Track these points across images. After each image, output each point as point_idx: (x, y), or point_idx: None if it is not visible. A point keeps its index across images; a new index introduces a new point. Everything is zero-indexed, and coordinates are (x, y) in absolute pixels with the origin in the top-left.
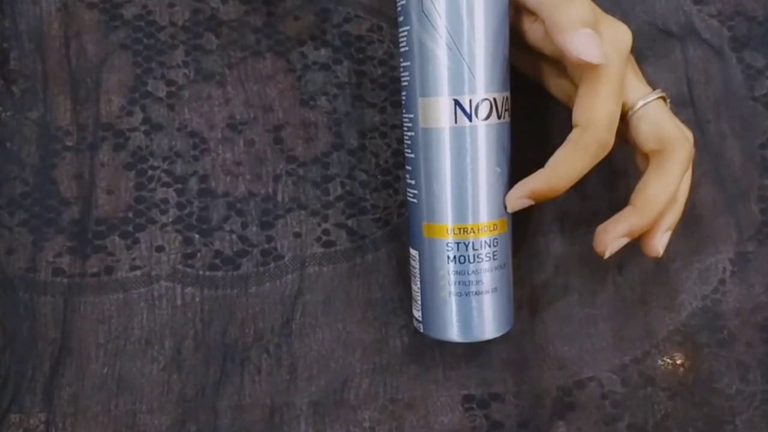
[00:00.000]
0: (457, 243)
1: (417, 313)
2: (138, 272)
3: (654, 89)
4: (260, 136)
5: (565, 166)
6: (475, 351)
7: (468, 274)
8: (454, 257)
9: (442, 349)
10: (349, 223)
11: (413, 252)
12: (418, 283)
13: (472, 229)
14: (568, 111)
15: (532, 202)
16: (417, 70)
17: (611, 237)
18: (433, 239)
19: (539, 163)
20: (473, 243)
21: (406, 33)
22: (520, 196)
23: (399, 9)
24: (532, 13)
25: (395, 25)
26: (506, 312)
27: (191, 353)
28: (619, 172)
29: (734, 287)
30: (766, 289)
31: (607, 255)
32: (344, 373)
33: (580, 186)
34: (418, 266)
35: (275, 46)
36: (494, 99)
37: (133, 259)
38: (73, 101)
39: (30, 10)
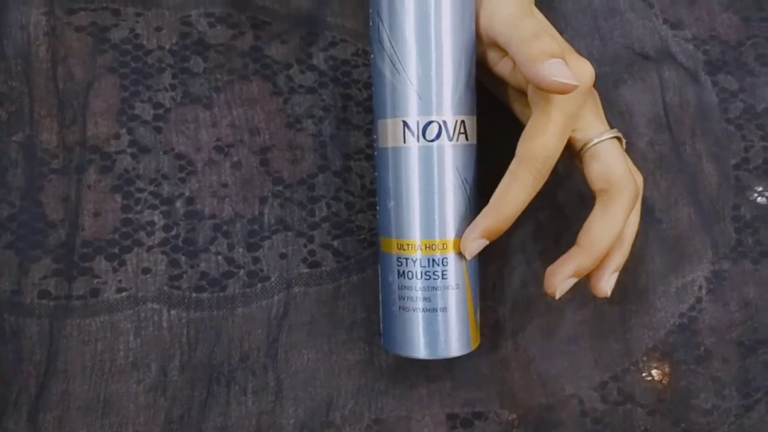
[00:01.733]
0: (402, 258)
1: (382, 329)
2: (124, 294)
3: (612, 128)
4: (247, 158)
5: (508, 199)
6: (459, 370)
7: (408, 289)
8: (399, 272)
9: (426, 370)
10: (335, 244)
11: (379, 268)
12: (381, 296)
13: (409, 245)
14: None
15: (487, 242)
16: (376, 94)
17: (560, 279)
18: (385, 254)
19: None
20: (414, 260)
21: (374, 58)
22: (475, 237)
23: (371, 38)
24: (501, 49)
25: None
26: (463, 333)
27: (177, 375)
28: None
29: (710, 305)
30: (741, 306)
31: (557, 296)
32: (329, 393)
33: (559, 205)
34: (379, 279)
35: (262, 70)
36: (443, 122)
37: (120, 281)
38: (60, 124)
39: (17, 33)
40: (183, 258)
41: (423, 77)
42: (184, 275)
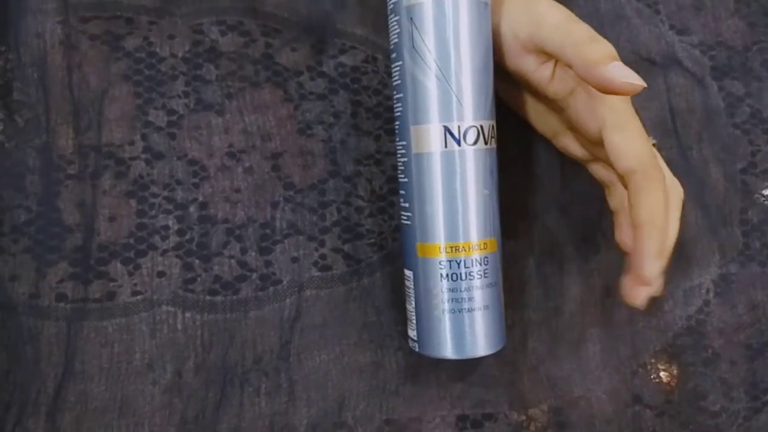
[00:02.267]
0: (449, 261)
1: (412, 333)
2: (139, 297)
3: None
4: (259, 164)
5: (656, 210)
6: (468, 371)
7: (460, 291)
8: (447, 275)
9: (436, 370)
10: (345, 247)
11: (407, 272)
12: (413, 302)
13: (463, 247)
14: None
15: (664, 263)
16: (409, 100)
17: (649, 269)
18: (426, 258)
19: (524, 186)
20: (464, 261)
21: (398, 67)
22: (657, 266)
23: (392, 46)
24: (543, 56)
25: (389, 56)
26: (498, 329)
27: (192, 376)
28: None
29: (718, 308)
30: (748, 309)
31: (655, 291)
32: (341, 395)
33: (569, 210)
34: (412, 286)
35: (273, 77)
36: (481, 126)
37: (135, 284)
38: (75, 131)
39: (33, 42)
40: (197, 262)
41: (462, 83)
42: (198, 279)
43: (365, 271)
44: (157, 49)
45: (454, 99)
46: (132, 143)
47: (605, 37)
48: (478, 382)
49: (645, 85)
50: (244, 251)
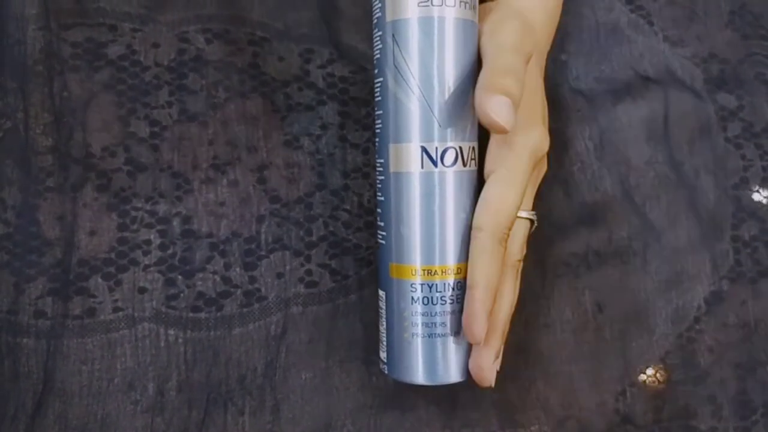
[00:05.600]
0: (423, 284)
1: (382, 355)
2: (120, 314)
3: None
4: (244, 176)
5: (493, 278)
6: (458, 391)
7: (433, 315)
8: (420, 298)
9: (424, 390)
10: (332, 263)
11: (380, 293)
12: (384, 324)
13: (437, 271)
14: None
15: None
16: (389, 118)
17: (475, 330)
18: (399, 280)
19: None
20: (438, 285)
21: (380, 83)
22: (481, 326)
23: (375, 61)
24: None
25: None
26: (464, 359)
27: (174, 395)
28: (598, 212)
29: (709, 325)
30: (739, 327)
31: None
32: (328, 413)
33: (561, 226)
34: (384, 307)
35: (259, 87)
36: (460, 147)
37: (116, 300)
38: (55, 141)
39: (14, 49)
40: (179, 278)
41: (443, 103)
42: (181, 295)
43: (352, 287)
44: (141, 58)
45: (434, 119)
46: (114, 155)
47: (598, 49)
48: (467, 401)
49: (505, 128)
50: (228, 267)
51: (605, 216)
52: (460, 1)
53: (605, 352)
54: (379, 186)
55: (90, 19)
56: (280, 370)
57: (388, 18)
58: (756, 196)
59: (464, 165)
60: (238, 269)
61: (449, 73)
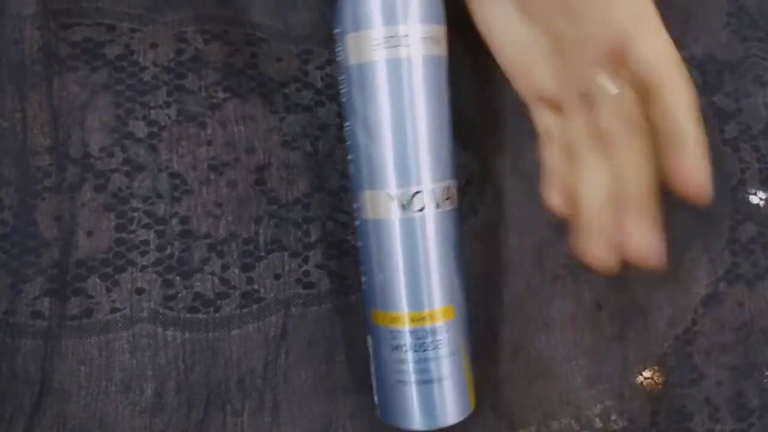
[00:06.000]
0: (410, 331)
1: (375, 398)
2: (118, 314)
3: None
4: (242, 177)
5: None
6: None
7: (424, 362)
8: (408, 345)
9: None
10: (331, 264)
11: (368, 338)
12: (373, 368)
13: (425, 317)
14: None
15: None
16: (361, 163)
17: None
18: (379, 326)
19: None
20: (426, 330)
21: (348, 128)
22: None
23: (342, 106)
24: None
25: None
26: (459, 400)
27: (173, 395)
28: None
29: (705, 328)
30: (735, 329)
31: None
32: (327, 414)
33: (560, 225)
34: (371, 352)
35: (258, 88)
36: (431, 190)
37: (113, 301)
38: (53, 141)
39: (11, 49)
40: (177, 278)
41: (401, 147)
42: (179, 295)
43: (352, 289)
44: (139, 58)
45: (401, 164)
46: (112, 155)
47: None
48: None
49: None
50: (225, 267)
51: None
52: (423, 39)
53: (601, 354)
54: (356, 232)
55: (88, 19)
56: (279, 370)
57: (351, 61)
58: (753, 199)
59: (437, 207)
60: (236, 270)
61: (413, 115)
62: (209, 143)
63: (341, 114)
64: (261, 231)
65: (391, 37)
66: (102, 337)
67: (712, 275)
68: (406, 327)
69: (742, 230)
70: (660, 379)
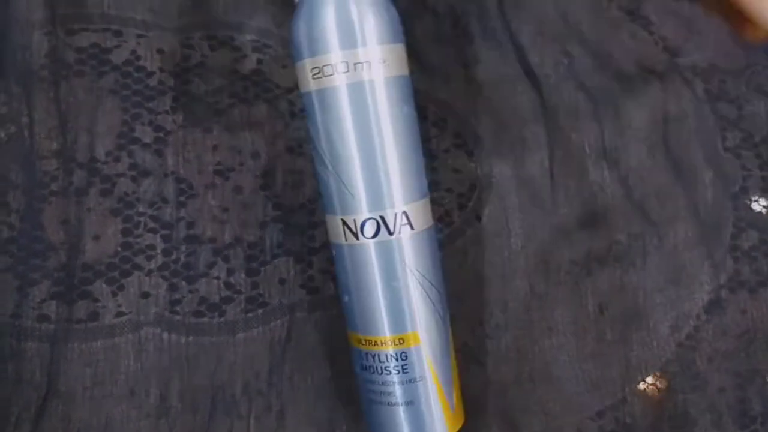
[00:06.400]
0: (365, 353)
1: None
2: (124, 318)
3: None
4: (247, 182)
5: None
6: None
7: (376, 384)
8: (364, 366)
9: None
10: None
11: None
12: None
13: (374, 341)
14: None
15: None
16: (327, 189)
17: None
18: (352, 347)
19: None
20: (378, 355)
21: (314, 154)
22: None
23: (308, 133)
24: None
25: None
26: (423, 426)
27: (178, 400)
28: (599, 215)
29: (708, 334)
30: (738, 335)
31: None
32: (333, 418)
33: (563, 228)
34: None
35: (263, 94)
36: (381, 217)
37: (119, 305)
38: (60, 146)
39: (19, 54)
40: (183, 283)
41: (370, 172)
42: (184, 300)
43: None
44: (146, 63)
45: (346, 192)
46: (118, 159)
47: (601, 54)
48: (469, 405)
49: None
50: (231, 272)
51: (607, 219)
52: (354, 65)
53: (607, 355)
54: (332, 255)
55: (95, 25)
56: (284, 375)
57: (311, 87)
58: (756, 206)
59: (390, 234)
60: (241, 275)
61: (381, 138)
62: (215, 148)
63: None
64: (266, 236)
65: (349, 62)
66: (108, 340)
67: (715, 282)
68: (359, 347)
69: (745, 237)
70: (663, 385)
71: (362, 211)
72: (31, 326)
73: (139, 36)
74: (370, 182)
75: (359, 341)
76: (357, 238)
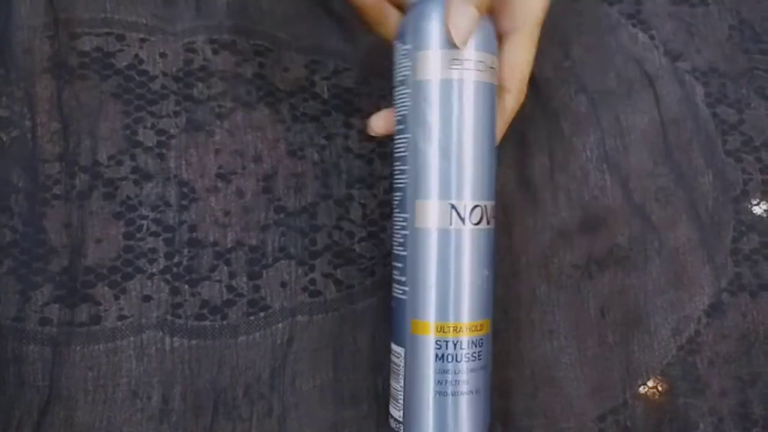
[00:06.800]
0: (440, 341)
1: (397, 413)
2: (126, 321)
3: None
4: (249, 186)
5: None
6: None
7: (448, 373)
8: (438, 356)
9: None
10: (337, 273)
11: (397, 348)
12: (401, 380)
13: (454, 328)
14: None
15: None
16: (418, 174)
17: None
18: (418, 336)
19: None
20: (456, 342)
21: (405, 140)
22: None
23: (399, 118)
24: None
25: (383, 77)
26: (484, 415)
27: (180, 402)
28: (598, 221)
29: (709, 338)
30: (739, 338)
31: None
32: (335, 421)
33: (564, 232)
34: (402, 363)
35: (265, 97)
36: (485, 206)
37: (121, 308)
38: (62, 149)
39: (21, 57)
40: (185, 286)
41: (470, 162)
42: (186, 303)
43: (357, 297)
44: (148, 67)
45: (459, 177)
46: (121, 163)
47: (599, 60)
48: None
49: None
50: (232, 275)
51: (607, 222)
52: (479, 63)
53: (608, 359)
54: (401, 241)
55: (98, 29)
56: (286, 378)
57: (419, 77)
58: (756, 210)
59: (487, 223)
60: (243, 278)
61: (474, 133)
62: (217, 152)
63: (347, 123)
64: (268, 239)
65: (484, 61)
66: (110, 344)
67: (716, 285)
68: (434, 336)
69: (745, 241)
70: (664, 388)
71: (473, 198)
72: (33, 329)
73: (142, 40)
74: (481, 172)
75: (436, 329)
76: (464, 224)
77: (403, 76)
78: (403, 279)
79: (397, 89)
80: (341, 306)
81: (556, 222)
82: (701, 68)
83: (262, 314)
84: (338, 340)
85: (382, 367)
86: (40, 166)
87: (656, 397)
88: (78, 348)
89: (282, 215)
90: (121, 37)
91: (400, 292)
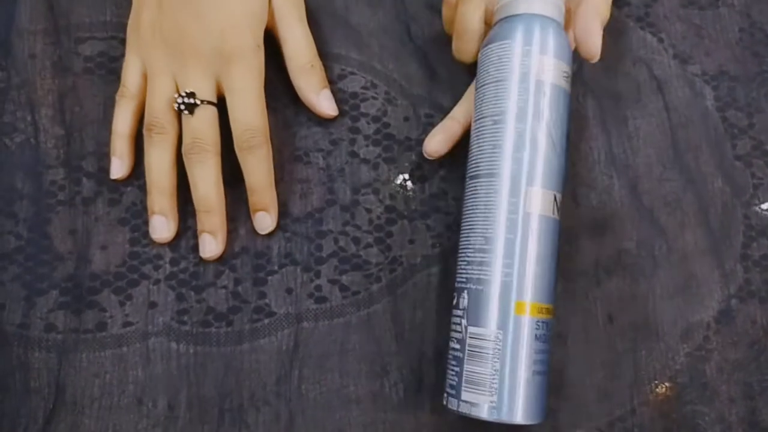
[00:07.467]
0: (541, 322)
1: (482, 397)
2: (131, 328)
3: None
4: None
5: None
6: None
7: (542, 353)
8: (536, 336)
9: (436, 403)
10: (342, 279)
11: (485, 332)
12: (493, 363)
13: (549, 310)
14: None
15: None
16: (539, 163)
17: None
18: (524, 317)
19: None
20: (546, 323)
21: (520, 130)
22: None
23: (517, 110)
24: None
25: (389, 83)
26: (548, 396)
27: (186, 409)
28: (606, 225)
29: (718, 344)
30: (748, 346)
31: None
32: (341, 427)
33: (572, 237)
34: (497, 346)
35: (270, 102)
36: (559, 198)
37: (127, 315)
38: (67, 155)
39: (26, 63)
40: (191, 293)
41: (566, 158)
42: (191, 309)
43: (363, 303)
44: None
45: (560, 170)
46: None
47: (606, 63)
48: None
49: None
50: (238, 282)
51: (615, 227)
52: (567, 72)
53: (616, 364)
54: (508, 225)
55: (102, 33)
56: (292, 384)
57: (538, 77)
58: (766, 214)
59: (559, 213)
60: (248, 284)
61: (565, 132)
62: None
63: (352, 128)
64: (273, 245)
65: (564, 70)
66: (115, 350)
67: (725, 291)
68: (550, 318)
69: (755, 246)
70: (672, 395)
71: (559, 189)
72: (38, 336)
73: None
74: (565, 166)
75: (539, 310)
76: (555, 212)
77: (522, 73)
78: (507, 261)
79: (519, 84)
80: (347, 312)
81: (564, 227)
82: (711, 71)
83: (267, 321)
84: (344, 347)
85: (386, 373)
86: (45, 172)
87: (664, 404)
88: (83, 355)
89: (287, 221)
90: (124, 42)
91: (504, 274)
